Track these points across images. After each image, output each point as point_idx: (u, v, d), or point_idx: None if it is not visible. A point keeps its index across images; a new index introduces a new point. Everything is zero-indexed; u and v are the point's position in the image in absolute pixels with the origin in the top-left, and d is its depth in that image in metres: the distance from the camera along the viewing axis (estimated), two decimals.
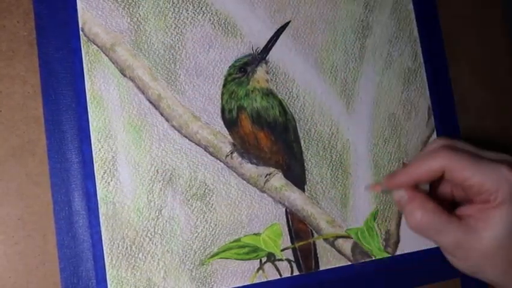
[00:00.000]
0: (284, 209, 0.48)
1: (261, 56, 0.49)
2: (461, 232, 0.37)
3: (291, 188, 0.48)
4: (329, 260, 0.48)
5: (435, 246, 0.51)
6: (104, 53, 0.45)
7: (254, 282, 0.46)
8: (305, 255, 0.48)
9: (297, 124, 0.49)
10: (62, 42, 0.44)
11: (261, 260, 0.46)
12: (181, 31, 0.47)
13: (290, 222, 0.48)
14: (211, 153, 0.46)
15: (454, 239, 0.37)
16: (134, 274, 0.43)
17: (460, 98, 0.56)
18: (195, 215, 0.45)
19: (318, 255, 0.48)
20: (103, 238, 0.43)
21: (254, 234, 0.47)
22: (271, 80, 0.49)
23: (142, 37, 0.46)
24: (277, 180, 0.48)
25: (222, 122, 0.47)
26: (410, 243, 0.51)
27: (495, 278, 0.38)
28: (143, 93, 0.45)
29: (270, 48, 0.49)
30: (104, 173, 0.44)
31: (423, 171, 0.38)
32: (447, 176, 0.38)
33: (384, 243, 0.50)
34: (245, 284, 0.46)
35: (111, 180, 0.44)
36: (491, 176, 0.36)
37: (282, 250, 0.47)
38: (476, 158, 0.37)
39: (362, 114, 0.51)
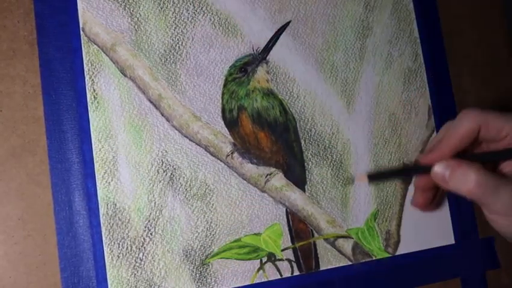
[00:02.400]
0: (284, 209, 0.48)
1: (261, 56, 0.49)
2: None
3: (292, 188, 0.48)
4: (330, 260, 0.48)
5: (436, 246, 0.51)
6: (104, 52, 0.45)
7: (254, 282, 0.46)
8: (306, 255, 0.48)
9: (298, 124, 0.49)
10: (63, 42, 0.44)
11: (261, 260, 0.46)
12: (181, 31, 0.47)
13: (290, 222, 0.48)
14: (211, 153, 0.46)
15: (510, 196, 0.35)
16: (135, 274, 0.43)
17: (459, 98, 0.56)
18: (195, 215, 0.45)
19: (319, 255, 0.48)
20: (103, 238, 0.43)
21: (254, 234, 0.47)
22: (272, 80, 0.49)
23: (142, 37, 0.46)
24: (278, 180, 0.48)
25: (223, 122, 0.47)
26: (411, 243, 0.51)
27: None
28: (143, 93, 0.45)
29: (271, 48, 0.49)
30: (105, 173, 0.44)
31: (460, 135, 0.37)
32: (482, 133, 0.37)
33: (384, 243, 0.50)
34: (245, 284, 0.46)
35: (111, 180, 0.44)
36: None
37: (283, 250, 0.47)
38: (502, 112, 0.37)
39: (362, 114, 0.51)
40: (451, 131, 0.38)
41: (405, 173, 0.46)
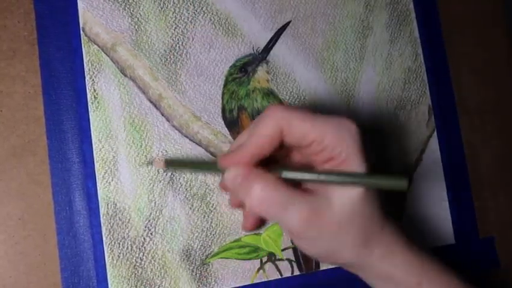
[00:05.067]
0: None
1: (261, 56, 0.49)
2: (310, 203, 0.31)
3: None
4: None
5: (436, 246, 0.51)
6: (105, 52, 0.45)
7: (255, 282, 0.46)
8: (306, 255, 0.48)
9: None
10: (63, 42, 0.44)
11: (261, 260, 0.47)
12: (181, 31, 0.47)
13: None
14: (211, 153, 0.46)
15: (302, 213, 0.31)
16: (135, 274, 0.43)
17: (460, 98, 0.56)
18: (195, 214, 0.45)
19: None
20: (103, 238, 0.43)
21: (255, 234, 0.47)
22: (272, 80, 0.49)
23: (142, 37, 0.46)
24: None
25: (223, 122, 0.47)
26: None
27: (349, 257, 0.33)
28: (144, 93, 0.45)
29: (271, 48, 0.49)
30: (105, 172, 0.44)
31: (260, 139, 0.32)
32: (286, 137, 0.32)
33: None
34: (246, 283, 0.46)
35: (112, 180, 0.44)
36: (332, 127, 0.31)
37: (283, 250, 0.47)
38: (313, 113, 0.32)
39: (362, 114, 0.51)
40: (251, 134, 0.32)
41: (205, 168, 0.39)
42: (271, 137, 0.32)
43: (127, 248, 0.43)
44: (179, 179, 0.45)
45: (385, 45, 0.53)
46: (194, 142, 0.46)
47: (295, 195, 0.32)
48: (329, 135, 0.31)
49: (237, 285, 0.46)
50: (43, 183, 0.43)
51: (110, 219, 0.43)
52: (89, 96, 0.44)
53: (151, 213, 0.44)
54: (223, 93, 0.47)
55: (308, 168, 0.35)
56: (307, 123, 0.31)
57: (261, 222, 0.38)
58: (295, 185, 0.33)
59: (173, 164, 0.39)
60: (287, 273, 0.47)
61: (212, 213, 0.46)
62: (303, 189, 0.33)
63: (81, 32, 0.45)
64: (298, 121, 0.31)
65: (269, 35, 0.49)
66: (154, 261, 0.44)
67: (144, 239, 0.44)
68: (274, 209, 0.31)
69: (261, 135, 0.32)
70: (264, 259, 0.47)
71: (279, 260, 0.47)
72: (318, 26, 0.51)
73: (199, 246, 0.45)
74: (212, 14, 0.48)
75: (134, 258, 0.43)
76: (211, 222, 0.46)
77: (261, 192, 0.31)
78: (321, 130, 0.31)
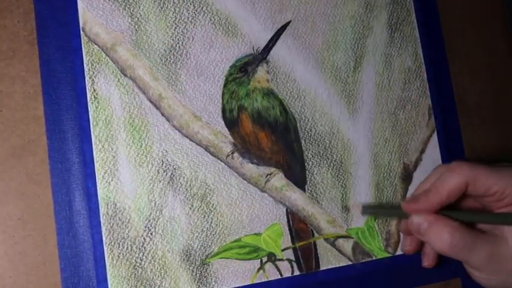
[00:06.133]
0: (285, 209, 0.48)
1: (261, 55, 0.49)
2: (491, 244, 0.36)
3: (292, 188, 0.48)
4: (330, 260, 0.48)
5: None
6: (105, 52, 0.45)
7: (255, 282, 0.46)
8: (306, 255, 0.48)
9: (298, 124, 0.49)
10: (63, 42, 0.44)
11: (261, 260, 0.46)
12: (181, 31, 0.47)
13: (291, 222, 0.48)
14: (211, 153, 0.46)
15: (485, 253, 0.36)
16: (135, 274, 0.43)
17: (460, 98, 0.56)
18: (195, 215, 0.45)
19: (319, 255, 0.48)
20: (103, 238, 0.43)
21: (255, 234, 0.47)
22: (272, 79, 0.49)
23: (142, 37, 0.46)
24: (278, 180, 0.48)
25: (223, 122, 0.47)
26: None
27: None
28: (144, 93, 0.45)
29: (271, 48, 0.49)
30: (105, 173, 0.44)
31: (446, 192, 0.37)
32: (470, 189, 0.37)
33: (384, 243, 0.50)
34: (246, 284, 0.46)
35: (112, 180, 0.44)
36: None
37: (283, 250, 0.47)
38: (493, 167, 0.38)
39: (362, 114, 0.51)
40: (438, 186, 0.38)
41: (396, 214, 0.48)
42: (457, 191, 0.37)
43: (127, 248, 0.43)
44: (179, 179, 0.45)
45: (385, 45, 0.53)
46: (194, 142, 0.46)
47: (477, 237, 0.37)
48: (508, 188, 0.36)
49: (237, 285, 0.46)
50: (43, 183, 0.43)
51: (110, 219, 0.43)
52: (89, 96, 0.44)
53: (151, 213, 0.44)
54: (223, 93, 0.47)
55: (481, 211, 0.40)
56: (492, 179, 0.37)
57: (438, 260, 0.44)
58: (469, 225, 0.38)
59: (368, 210, 0.48)
60: (287, 274, 0.47)
61: (212, 213, 0.46)
62: (478, 229, 0.39)
63: (81, 32, 0.45)
64: (484, 177, 0.37)
65: (269, 35, 0.49)
66: (154, 261, 0.44)
67: (144, 239, 0.44)
68: (462, 251, 0.36)
69: (448, 188, 0.37)
70: (264, 259, 0.47)
71: (279, 260, 0.47)
72: (318, 26, 0.51)
73: (199, 246, 0.45)
74: (212, 14, 0.48)
75: (134, 258, 0.43)
76: (211, 222, 0.46)
77: (451, 238, 0.36)
78: (505, 182, 0.36)
